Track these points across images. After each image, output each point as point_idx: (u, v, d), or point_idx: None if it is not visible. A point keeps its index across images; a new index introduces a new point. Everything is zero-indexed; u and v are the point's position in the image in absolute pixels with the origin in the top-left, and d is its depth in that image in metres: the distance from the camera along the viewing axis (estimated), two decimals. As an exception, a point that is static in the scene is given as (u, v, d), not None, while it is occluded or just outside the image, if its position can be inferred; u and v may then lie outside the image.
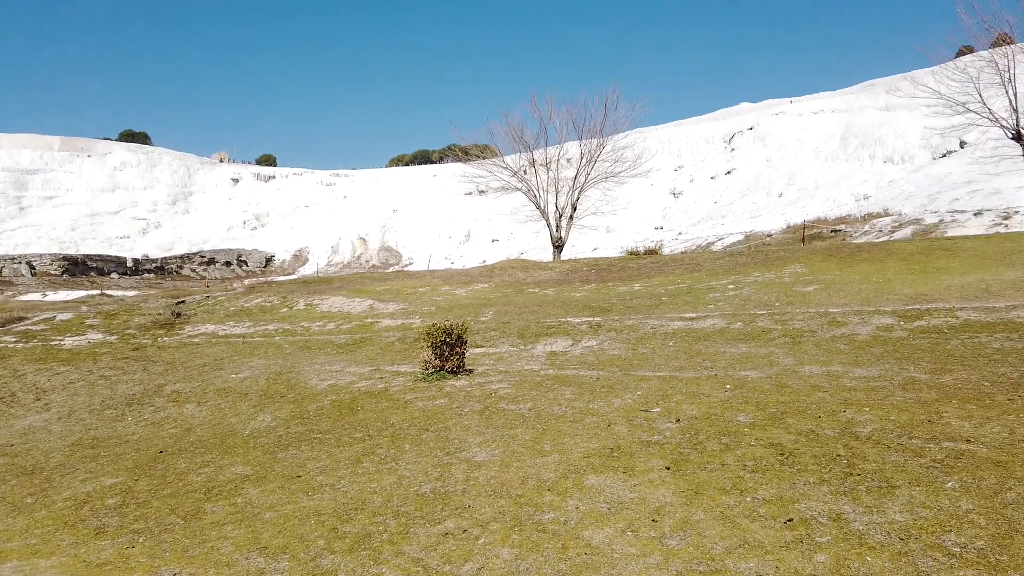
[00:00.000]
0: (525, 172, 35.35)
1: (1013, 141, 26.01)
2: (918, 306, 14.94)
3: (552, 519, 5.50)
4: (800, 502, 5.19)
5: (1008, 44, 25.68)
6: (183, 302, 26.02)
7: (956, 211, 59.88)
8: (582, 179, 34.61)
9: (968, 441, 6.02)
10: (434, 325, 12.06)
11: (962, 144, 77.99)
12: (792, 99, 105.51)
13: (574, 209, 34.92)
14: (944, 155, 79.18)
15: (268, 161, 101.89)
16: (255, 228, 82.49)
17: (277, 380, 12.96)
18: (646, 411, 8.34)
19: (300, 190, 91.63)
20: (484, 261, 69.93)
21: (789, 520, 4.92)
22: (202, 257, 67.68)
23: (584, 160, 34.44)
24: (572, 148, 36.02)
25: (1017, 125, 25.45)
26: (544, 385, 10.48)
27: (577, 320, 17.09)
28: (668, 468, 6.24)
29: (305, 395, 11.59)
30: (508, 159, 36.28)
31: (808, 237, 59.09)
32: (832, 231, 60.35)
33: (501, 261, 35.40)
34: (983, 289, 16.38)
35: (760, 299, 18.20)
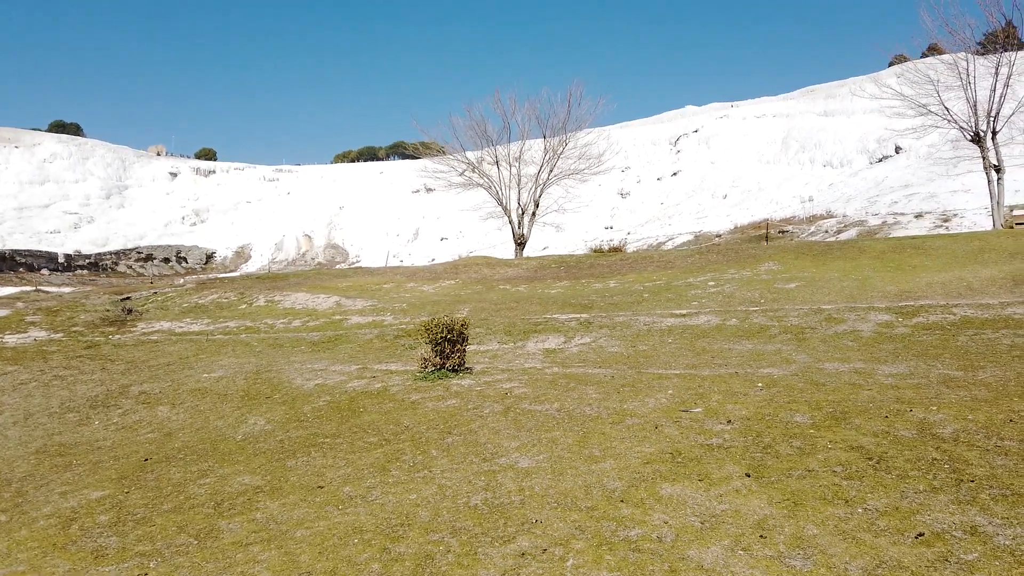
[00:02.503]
0: (493, 165, 34.63)
1: (971, 143, 26.61)
2: (910, 303, 14.87)
3: (642, 536, 4.87)
4: (921, 513, 4.69)
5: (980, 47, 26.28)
6: (128, 298, 24.44)
7: (897, 213, 61.83)
8: (545, 175, 34.10)
9: (1069, 441, 5.66)
10: (433, 321, 11.29)
11: (897, 149, 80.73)
12: (734, 103, 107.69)
13: (537, 206, 34.39)
14: (880, 160, 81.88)
15: (208, 155, 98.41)
16: (195, 224, 79.42)
17: (257, 380, 11.97)
18: (686, 411, 7.80)
19: (242, 185, 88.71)
20: (433, 259, 68.97)
21: (920, 535, 4.41)
22: (139, 253, 64.67)
23: (548, 156, 33.95)
24: (536, 144, 35.49)
25: (976, 127, 26.05)
26: (559, 384, 9.84)
27: (564, 317, 16.52)
28: (748, 475, 5.69)
29: (294, 396, 10.67)
30: (470, 155, 35.51)
31: (756, 237, 60.16)
32: (780, 232, 61.52)
33: (465, 258, 34.61)
34: (965, 286, 16.48)
35: (744, 296, 17.97)
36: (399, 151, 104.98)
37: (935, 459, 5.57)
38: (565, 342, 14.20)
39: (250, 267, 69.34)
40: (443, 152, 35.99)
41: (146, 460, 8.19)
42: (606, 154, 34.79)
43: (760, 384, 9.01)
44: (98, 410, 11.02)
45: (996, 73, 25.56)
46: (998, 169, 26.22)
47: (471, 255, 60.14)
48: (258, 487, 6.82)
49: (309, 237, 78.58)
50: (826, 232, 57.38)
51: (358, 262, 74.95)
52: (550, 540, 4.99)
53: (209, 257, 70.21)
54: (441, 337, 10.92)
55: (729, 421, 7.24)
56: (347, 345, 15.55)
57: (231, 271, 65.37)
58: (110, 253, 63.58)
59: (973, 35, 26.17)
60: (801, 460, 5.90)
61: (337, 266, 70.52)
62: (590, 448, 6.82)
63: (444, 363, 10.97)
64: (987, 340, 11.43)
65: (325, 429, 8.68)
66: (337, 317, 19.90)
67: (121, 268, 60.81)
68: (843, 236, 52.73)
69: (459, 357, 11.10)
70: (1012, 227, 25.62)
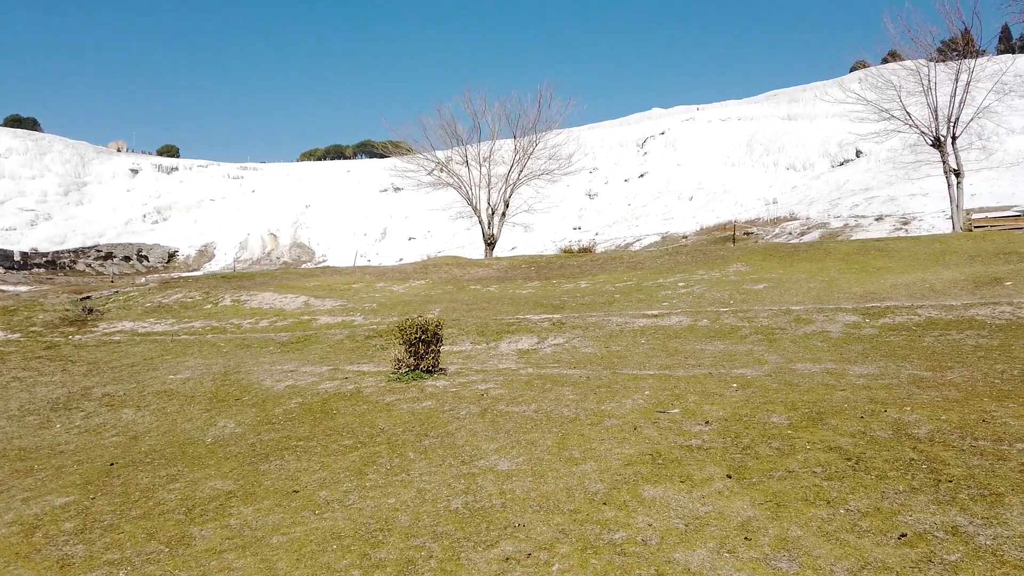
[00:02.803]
0: (463, 165, 34.47)
1: (932, 147, 27.21)
2: (877, 304, 15.13)
3: (627, 538, 4.83)
4: (903, 514, 4.73)
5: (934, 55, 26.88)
6: (88, 297, 23.83)
7: (858, 216, 63.10)
8: (515, 175, 34.06)
9: (1041, 440, 5.77)
10: (406, 321, 11.16)
11: (858, 153, 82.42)
12: (700, 106, 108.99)
13: (507, 206, 34.34)
14: (842, 163, 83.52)
15: (170, 152, 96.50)
16: (156, 222, 77.81)
17: (225, 381, 11.72)
18: (664, 412, 7.81)
19: (205, 183, 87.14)
20: (401, 259, 68.57)
21: (903, 536, 4.45)
22: (98, 252, 63.13)
23: (518, 156, 33.92)
24: (506, 145, 35.44)
25: (936, 132, 26.65)
26: (535, 385, 9.79)
27: (536, 317, 16.48)
28: (730, 477, 5.69)
29: (264, 398, 10.46)
30: (440, 154, 35.32)
31: (721, 238, 60.92)
32: (744, 233, 62.35)
33: (435, 257, 34.40)
34: (928, 288, 16.82)
35: (714, 297, 18.13)
36: (367, 150, 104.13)
37: (912, 459, 5.63)
38: (538, 343, 14.17)
39: (214, 266, 68.13)
40: (411, 151, 35.77)
41: (112, 464, 7.94)
42: (576, 155, 34.89)
43: (735, 385, 9.07)
44: (59, 413, 10.67)
45: (956, 79, 26.19)
46: (957, 173, 26.86)
47: (440, 255, 59.88)
48: (231, 492, 6.64)
49: (274, 236, 77.51)
50: (790, 234, 58.34)
51: (324, 261, 74.15)
52: (534, 544, 4.93)
53: (171, 256, 68.82)
54: (415, 338, 10.80)
55: (707, 422, 7.26)
56: (317, 346, 15.33)
57: (194, 270, 64.17)
58: (68, 251, 61.92)
59: (934, 42, 26.79)
60: (781, 461, 5.93)
61: (303, 265, 69.67)
62: (570, 450, 6.78)
63: (418, 364, 10.85)
64: (952, 341, 11.67)
65: (298, 432, 8.51)
66: (306, 317, 19.63)
67: (80, 267, 59.28)
68: (806, 238, 53.66)
69: (433, 358, 10.99)
70: (971, 230, 26.26)
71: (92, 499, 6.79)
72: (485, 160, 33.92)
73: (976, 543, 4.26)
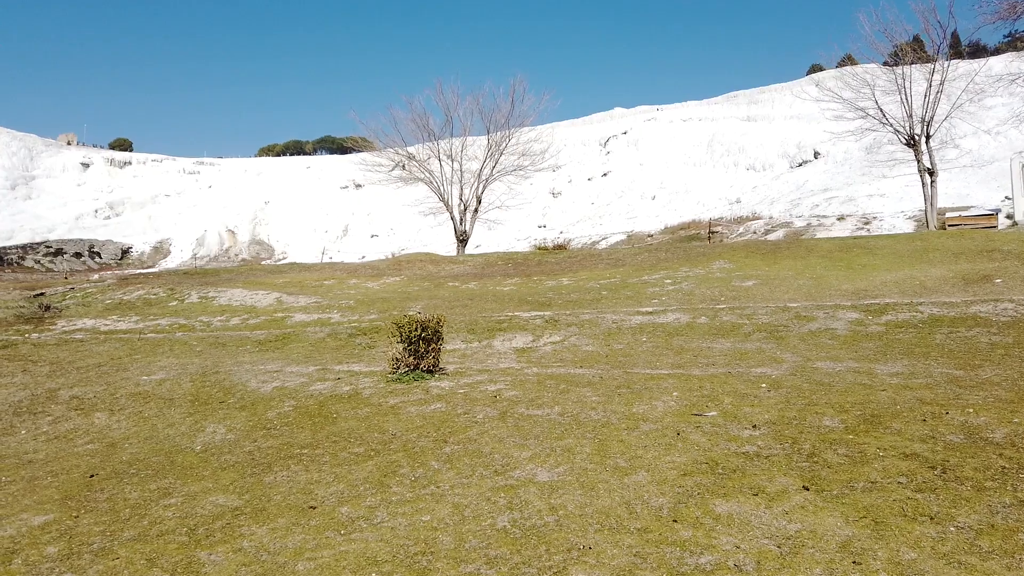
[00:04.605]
0: (436, 160, 33.64)
1: (906, 146, 27.39)
2: (872, 301, 14.90)
3: (716, 564, 4.26)
4: (1022, 532, 4.24)
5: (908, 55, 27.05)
6: (43, 294, 22.49)
7: (820, 215, 63.95)
8: (488, 171, 33.40)
9: None
10: (406, 317, 10.45)
11: (816, 155, 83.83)
12: (661, 107, 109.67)
13: (479, 202, 33.66)
14: (800, 164, 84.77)
15: (123, 146, 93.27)
16: (109, 217, 75.01)
17: (205, 383, 10.84)
18: (700, 415, 7.28)
19: (160, 178, 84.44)
20: (363, 257, 67.35)
21: (1034, 554, 3.96)
22: (48, 248, 60.47)
23: (491, 152, 33.26)
24: (478, 140, 34.75)
25: (911, 131, 26.81)
26: (548, 386, 9.19)
27: (526, 315, 15.88)
28: (807, 488, 5.17)
29: (253, 400, 9.64)
30: (411, 149, 34.45)
31: (687, 237, 61.19)
32: (710, 232, 62.73)
33: (408, 254, 33.56)
34: (919, 285, 16.69)
35: (704, 294, 17.76)
36: (327, 145, 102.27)
37: (1004, 467, 5.19)
38: (534, 341, 13.57)
39: (169, 263, 65.91)
40: (373, 147, 34.85)
41: (92, 476, 7.09)
42: (549, 151, 34.38)
43: (764, 385, 8.59)
44: (24, 417, 9.69)
45: (930, 79, 26.38)
46: (932, 172, 27.07)
47: (404, 252, 58.80)
48: (237, 509, 5.89)
49: (232, 232, 75.42)
50: (754, 233, 58.81)
51: (284, 258, 72.42)
52: (609, 571, 4.32)
53: (125, 252, 66.34)
54: (415, 336, 10.10)
55: (754, 426, 6.75)
56: (298, 344, 14.48)
57: (149, 267, 61.97)
58: (16, 247, 59.09)
59: (910, 42, 26.95)
60: (857, 470, 5.43)
61: (263, 262, 67.86)
62: (613, 458, 6.19)
63: (418, 363, 10.15)
64: (964, 338, 11.42)
65: (299, 438, 7.75)
66: (279, 315, 18.70)
67: (28, 263, 56.68)
68: (771, 236, 54.10)
69: (434, 357, 10.31)
70: (945, 228, 26.49)
71: (75, 517, 5.96)
72: (457, 155, 33.19)
73: (1121, 563, 3.78)
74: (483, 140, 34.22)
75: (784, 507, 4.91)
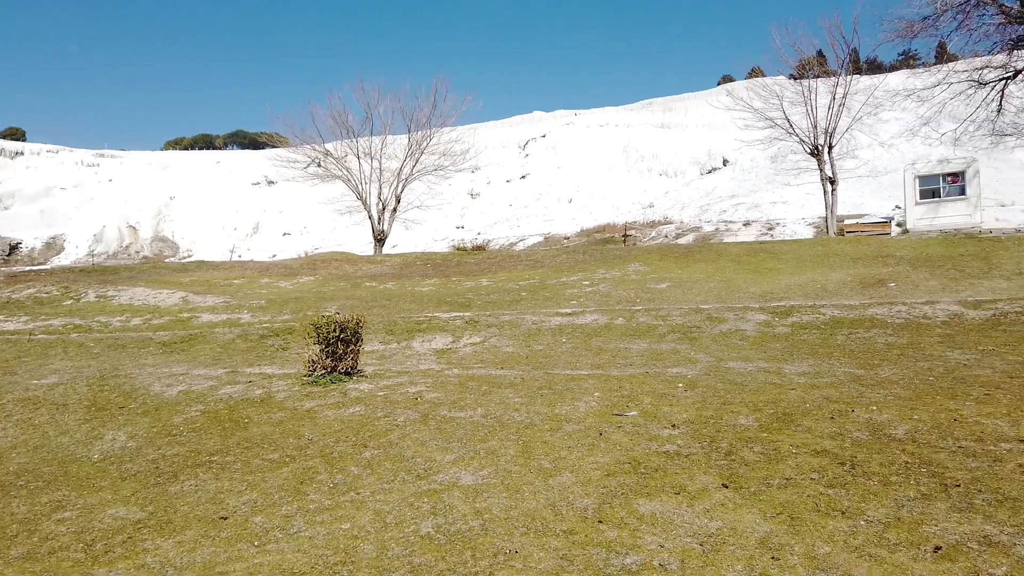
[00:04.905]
0: (354, 157, 32.91)
1: (810, 156, 28.70)
2: (778, 303, 15.50)
3: (642, 564, 4.27)
4: (927, 524, 4.44)
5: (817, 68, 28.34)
6: (-82, 292, 20.76)
7: (727, 221, 66.35)
8: (408, 170, 32.98)
9: (1022, 441, 5.73)
10: (323, 318, 10.13)
11: (724, 162, 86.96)
12: (578, 111, 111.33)
13: (398, 201, 33.20)
14: (710, 171, 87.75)
15: (14, 135, 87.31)
16: (-6, 209, 70.06)
17: (103, 387, 10.20)
18: (621, 415, 7.35)
19: (55, 170, 79.45)
20: (274, 255, 65.46)
21: (938, 549, 4.15)
22: (-77, 241, 55.91)
23: (411, 150, 32.86)
24: (399, 140, 34.27)
25: (815, 141, 28.12)
26: (470, 388, 9.09)
27: (446, 316, 15.73)
28: (727, 486, 5.27)
29: (156, 405, 9.13)
30: (329, 146, 33.63)
31: (602, 240, 62.29)
32: (624, 235, 64.10)
33: (323, 253, 32.75)
34: (821, 288, 17.49)
35: (621, 295, 18.07)
36: (239, 140, 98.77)
37: (908, 463, 5.43)
38: (454, 342, 13.44)
39: (63, 260, 62.09)
40: (286, 142, 33.88)
41: (-26, 491, 6.51)
42: (470, 152, 34.27)
43: (681, 384, 8.76)
44: None
45: (834, 92, 27.75)
46: (833, 181, 28.46)
47: (317, 251, 57.38)
48: (139, 521, 5.52)
49: (134, 228, 71.79)
50: (666, 236, 60.45)
51: (190, 256, 69.47)
52: (536, 575, 4.26)
53: (13, 248, 62.07)
54: (334, 337, 9.80)
55: (674, 425, 6.85)
56: (205, 346, 13.85)
57: (40, 264, 58.21)
58: None
59: (815, 56, 28.28)
60: (773, 467, 5.57)
61: (167, 260, 64.85)
62: (537, 460, 6.15)
63: (336, 365, 9.86)
64: (863, 339, 12.00)
65: (208, 445, 7.37)
66: (185, 315, 17.87)
67: (-101, 258, 52.18)
68: (682, 240, 55.70)
69: (353, 359, 10.03)
70: (843, 234, 27.89)
71: (-46, 537, 5.45)
72: (377, 154, 32.62)
73: (1017, 554, 4.01)
74: (404, 139, 33.77)
75: (705, 505, 4.98)
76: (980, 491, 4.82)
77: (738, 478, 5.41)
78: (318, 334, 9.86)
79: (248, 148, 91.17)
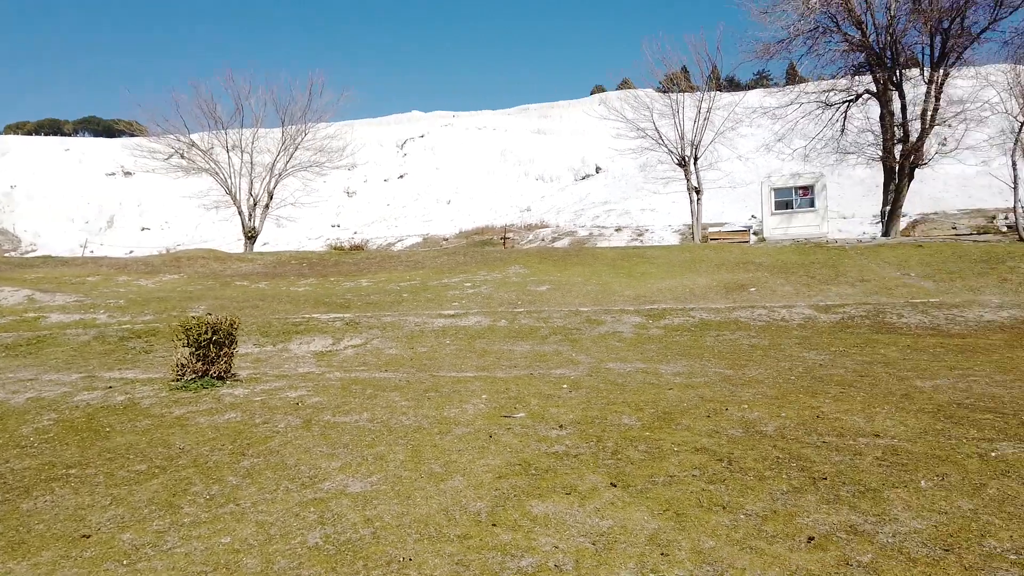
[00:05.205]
0: (223, 150, 31.27)
1: (678, 166, 30.14)
2: (652, 306, 16.17)
3: (537, 566, 4.30)
4: (800, 516, 4.75)
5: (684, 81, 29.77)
6: None
7: (600, 226, 68.67)
8: (282, 165, 31.76)
9: (877, 436, 6.25)
10: (194, 318, 9.55)
11: (597, 170, 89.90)
12: (456, 113, 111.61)
13: (271, 197, 31.90)
14: (584, 178, 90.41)
15: None
16: None
17: (-65, 396, 9.14)
18: (509, 416, 7.40)
19: None
20: (132, 251, 61.31)
21: (811, 539, 4.44)
22: None
23: (285, 145, 31.66)
24: (272, 133, 32.93)
25: (682, 152, 29.56)
26: (354, 391, 8.86)
27: (325, 317, 15.27)
28: (615, 485, 5.41)
29: (2, 414, 8.27)
30: (195, 137, 31.79)
31: (481, 242, 62.74)
32: (502, 238, 64.80)
33: (188, 250, 30.90)
34: (690, 292, 18.40)
35: (503, 297, 18.23)
36: (91, 127, 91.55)
37: (779, 458, 5.79)
38: (334, 344, 13.07)
39: None
40: (144, 131, 31.86)
41: None
42: (348, 148, 33.45)
43: (565, 385, 8.94)
44: None
45: (700, 107, 29.30)
46: (698, 191, 30.03)
47: (180, 248, 54.19)
48: (-14, 544, 4.97)
49: (-34, 219, 65.05)
50: (543, 240, 61.74)
51: (34, 251, 63.75)
52: (432, 580, 4.20)
53: None
54: (205, 339, 9.26)
55: (561, 426, 6.97)
56: (57, 349, 12.73)
57: None
58: None
59: (684, 71, 29.76)
60: (657, 465, 5.78)
61: (7, 255, 59.18)
62: (428, 464, 6.07)
63: (208, 369, 9.32)
64: (730, 340, 12.73)
65: (64, 457, 6.75)
66: (31, 315, 16.36)
67: None
68: (558, 244, 57.12)
69: (226, 362, 9.52)
70: (707, 241, 29.48)
71: None
72: (248, 147, 31.19)
73: (880, 542, 4.35)
74: (277, 133, 32.49)
75: (596, 504, 5.09)
76: (844, 483, 5.21)
77: (625, 477, 5.57)
78: (188, 336, 9.29)
79: (102, 136, 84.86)
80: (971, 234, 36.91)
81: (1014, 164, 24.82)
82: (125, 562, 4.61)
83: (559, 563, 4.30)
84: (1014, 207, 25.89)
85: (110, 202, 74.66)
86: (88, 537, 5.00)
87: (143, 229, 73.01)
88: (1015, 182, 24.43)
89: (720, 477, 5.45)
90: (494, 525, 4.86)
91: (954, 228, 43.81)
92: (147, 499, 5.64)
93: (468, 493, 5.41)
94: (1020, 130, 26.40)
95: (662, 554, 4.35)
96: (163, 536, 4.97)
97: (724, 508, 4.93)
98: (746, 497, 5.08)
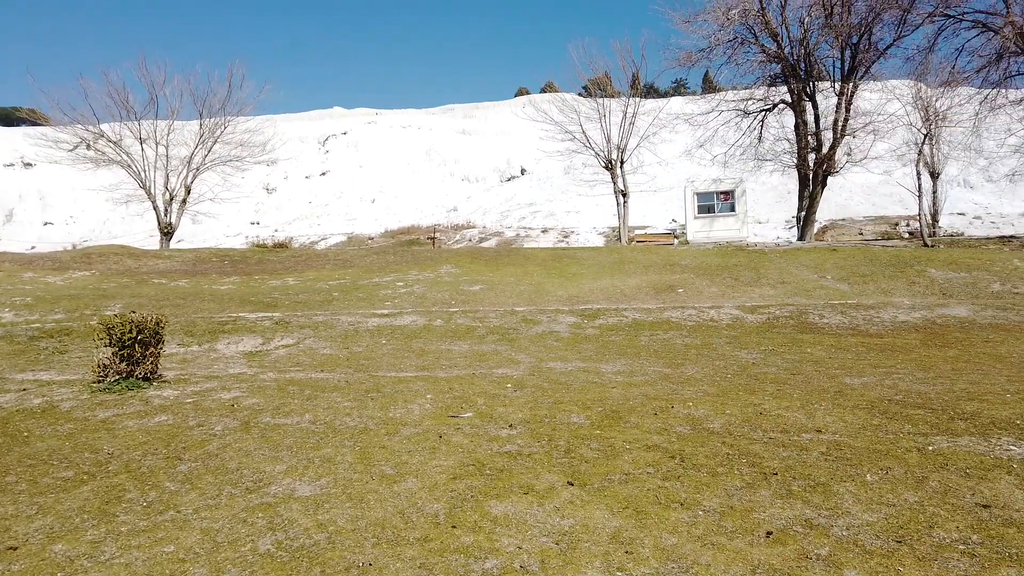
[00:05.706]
0: (136, 142, 29.78)
1: (604, 169, 30.59)
2: (585, 306, 16.34)
3: (502, 567, 4.23)
4: (756, 511, 4.84)
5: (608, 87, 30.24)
6: None
7: (527, 227, 69.11)
8: (200, 159, 30.53)
9: (819, 431, 6.46)
10: (118, 317, 9.03)
11: (522, 171, 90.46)
12: (379, 111, 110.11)
13: (188, 192, 30.62)
14: (509, 179, 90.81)
15: None
16: None
17: None
18: (456, 416, 7.30)
19: None
20: (34, 247, 57.88)
21: (769, 533, 4.53)
22: None
23: (203, 138, 30.45)
24: (189, 125, 31.59)
25: (609, 155, 30.03)
26: (292, 392, 8.57)
27: (252, 316, 14.76)
28: (572, 484, 5.40)
29: (-100, 422, 7.61)
30: (105, 127, 30.18)
31: (407, 242, 62.15)
32: (428, 238, 64.37)
33: (99, 246, 29.32)
34: (620, 293, 18.70)
35: (436, 297, 18.07)
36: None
37: (729, 454, 5.90)
38: (264, 344, 12.64)
39: None
40: (48, 121, 30.09)
41: None
42: (269, 143, 32.46)
43: (509, 385, 8.90)
44: None
45: (625, 111, 29.84)
46: (625, 194, 30.57)
47: (88, 243, 51.42)
48: None
49: None
50: (470, 240, 61.65)
51: (-79, 245, 59.29)
52: (396, 586, 4.07)
53: None
54: (130, 338, 8.77)
55: (511, 425, 6.93)
56: (-43, 350, 11.83)
57: None
58: None
59: (606, 75, 30.25)
60: (611, 463, 5.81)
61: None
62: (378, 465, 5.92)
63: (133, 370, 8.83)
64: (664, 340, 12.98)
65: (-22, 465, 6.26)
66: (-74, 313, 15.18)
67: None
68: (485, 244, 57.15)
69: (153, 362, 9.05)
70: (633, 243, 30.04)
71: None
72: (163, 139, 29.83)
73: (836, 535, 4.47)
74: (195, 125, 31.21)
75: (555, 503, 5.06)
76: (795, 478, 5.35)
77: (581, 475, 5.57)
78: (110, 335, 8.78)
79: (1, 124, 79.77)
80: (877, 239, 38.99)
81: (918, 174, 26.33)
82: (60, 574, 4.30)
83: (524, 564, 4.25)
84: (919, 214, 27.45)
85: (9, 194, 70.39)
86: (15, 549, 4.64)
87: (46, 224, 69.14)
88: (919, 191, 25.90)
89: (675, 474, 5.52)
90: (454, 527, 4.77)
91: (861, 233, 46.22)
92: (78, 507, 5.28)
93: (423, 495, 5.29)
94: (923, 142, 28.03)
95: (626, 552, 4.36)
96: (99, 546, 4.66)
97: (682, 505, 4.98)
98: (702, 493, 5.15)
